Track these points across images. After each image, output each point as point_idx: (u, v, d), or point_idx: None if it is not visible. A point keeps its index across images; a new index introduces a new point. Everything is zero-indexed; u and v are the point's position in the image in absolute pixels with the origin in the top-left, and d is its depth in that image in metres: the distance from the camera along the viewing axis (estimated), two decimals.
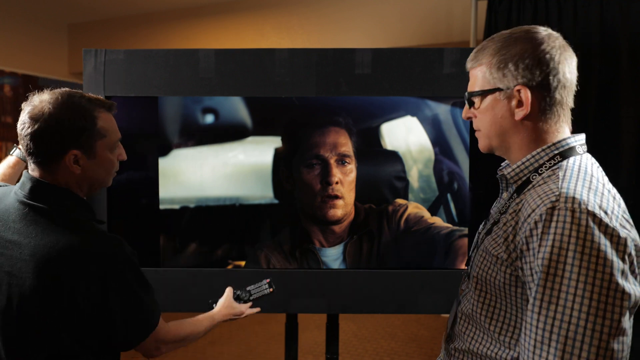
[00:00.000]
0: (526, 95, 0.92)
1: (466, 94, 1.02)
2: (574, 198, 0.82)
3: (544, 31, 0.95)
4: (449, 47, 1.74)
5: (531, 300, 0.83)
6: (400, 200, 1.78)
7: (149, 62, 1.73)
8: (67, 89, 1.15)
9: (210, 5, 4.45)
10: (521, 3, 2.89)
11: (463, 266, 1.78)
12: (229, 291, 1.54)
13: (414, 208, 1.78)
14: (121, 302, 1.09)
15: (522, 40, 0.93)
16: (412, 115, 1.76)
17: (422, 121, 1.76)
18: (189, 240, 1.81)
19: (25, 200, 1.10)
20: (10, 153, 1.51)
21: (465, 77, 1.71)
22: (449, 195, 1.78)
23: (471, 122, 1.07)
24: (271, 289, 1.60)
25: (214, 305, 1.53)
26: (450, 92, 1.72)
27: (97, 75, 1.74)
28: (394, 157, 1.78)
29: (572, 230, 0.79)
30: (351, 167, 1.76)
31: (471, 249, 1.10)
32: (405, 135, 1.77)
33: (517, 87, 0.93)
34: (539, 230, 0.83)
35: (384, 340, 3.52)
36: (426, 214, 1.78)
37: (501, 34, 0.97)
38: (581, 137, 0.97)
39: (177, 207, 1.80)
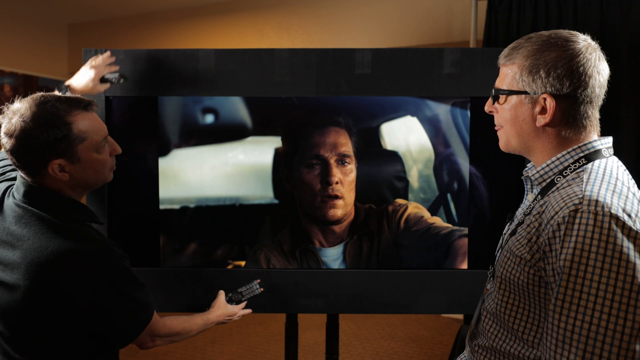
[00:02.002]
0: (551, 104, 0.93)
1: (493, 89, 1.02)
2: (597, 201, 0.83)
3: (582, 41, 0.94)
4: (449, 47, 1.74)
5: (553, 301, 0.84)
6: (400, 200, 1.78)
7: (149, 62, 1.73)
8: (41, 93, 1.13)
9: (210, 5, 4.45)
10: (521, 3, 2.88)
11: (463, 266, 1.78)
12: (221, 294, 1.59)
13: (414, 208, 1.78)
14: (110, 305, 1.10)
15: (559, 48, 0.92)
16: (412, 115, 1.76)
17: (422, 121, 1.76)
18: (189, 240, 1.81)
19: (20, 203, 1.12)
20: (62, 92, 1.52)
21: (464, 77, 1.72)
22: (449, 195, 1.78)
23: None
24: (262, 289, 1.64)
25: (207, 308, 1.57)
26: (450, 92, 1.72)
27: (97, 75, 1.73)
28: (394, 157, 1.78)
29: (595, 232, 0.80)
30: (351, 167, 1.76)
31: (496, 250, 1.12)
32: (405, 135, 1.77)
33: (544, 95, 0.94)
34: (562, 233, 0.84)
35: (384, 340, 3.52)
36: (426, 214, 1.78)
37: (540, 35, 0.96)
38: (607, 140, 0.97)
39: (177, 207, 1.80)
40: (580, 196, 0.85)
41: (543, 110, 0.94)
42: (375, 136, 1.78)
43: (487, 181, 1.76)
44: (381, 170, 1.78)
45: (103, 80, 1.66)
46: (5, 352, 1.11)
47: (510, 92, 0.98)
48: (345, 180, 1.76)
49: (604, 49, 0.97)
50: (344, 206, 1.76)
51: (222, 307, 1.54)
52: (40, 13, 4.72)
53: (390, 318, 3.87)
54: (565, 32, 0.95)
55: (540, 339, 0.92)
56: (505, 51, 1.00)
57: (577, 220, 0.82)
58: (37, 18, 4.74)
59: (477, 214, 1.77)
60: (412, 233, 1.78)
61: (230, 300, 1.60)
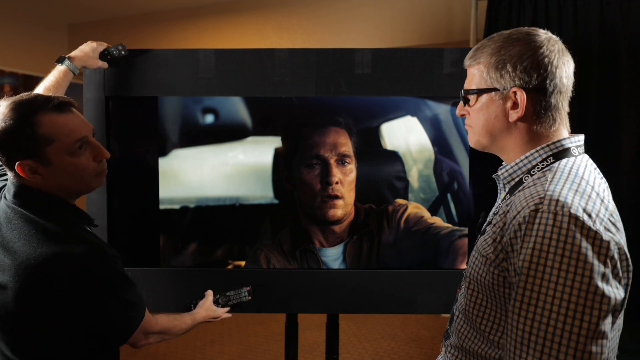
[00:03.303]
0: (522, 97, 0.93)
1: (462, 91, 1.03)
2: (557, 200, 0.82)
3: (543, 34, 0.95)
4: (449, 47, 1.74)
5: (512, 302, 0.84)
6: (400, 200, 1.78)
7: (149, 62, 1.73)
8: (22, 94, 1.11)
9: (210, 5, 4.45)
10: (521, 3, 2.89)
11: (463, 266, 1.78)
12: (209, 294, 1.61)
13: (414, 208, 1.78)
14: (102, 306, 1.09)
15: (522, 42, 0.93)
16: (412, 115, 1.76)
17: (422, 121, 1.76)
18: (189, 240, 1.81)
19: (11, 204, 1.11)
20: (62, 63, 1.55)
21: (464, 77, 1.71)
22: (449, 195, 1.78)
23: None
24: (250, 297, 1.66)
25: (192, 305, 1.59)
26: (450, 92, 1.72)
27: (97, 75, 1.74)
28: (394, 157, 1.78)
29: (553, 232, 0.80)
30: (351, 167, 1.76)
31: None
32: (405, 135, 1.77)
33: (514, 89, 0.93)
34: (522, 232, 0.84)
35: (384, 340, 3.52)
36: (426, 214, 1.78)
37: (501, 34, 0.97)
38: (578, 139, 0.97)
39: (177, 207, 1.80)
40: (542, 195, 0.85)
41: (514, 105, 0.94)
42: (375, 136, 1.78)
43: (487, 181, 1.75)
44: (381, 170, 1.78)
45: (105, 54, 1.67)
46: (2, 353, 1.11)
47: (480, 91, 0.98)
48: (345, 180, 1.76)
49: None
50: (344, 206, 1.76)
51: (209, 309, 1.56)
52: (40, 13, 4.72)
53: (390, 318, 3.87)
54: (525, 28, 0.97)
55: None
56: (470, 53, 1.01)
57: (537, 220, 0.82)
58: (37, 18, 4.74)
59: (478, 214, 1.77)
60: (412, 233, 1.78)
61: (216, 302, 1.61)
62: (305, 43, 4.08)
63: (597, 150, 2.66)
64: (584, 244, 0.79)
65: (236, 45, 4.31)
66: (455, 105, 1.75)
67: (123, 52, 1.70)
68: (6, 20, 4.48)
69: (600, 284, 0.78)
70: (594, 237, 0.79)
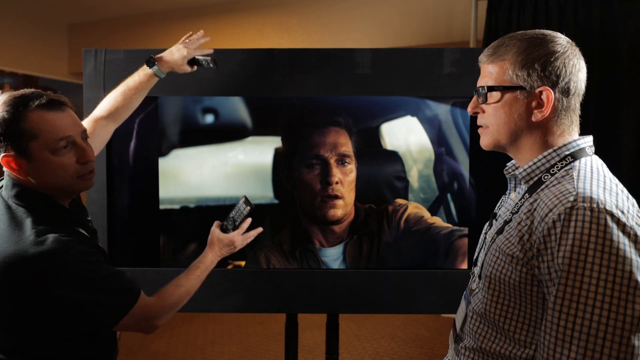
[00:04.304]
0: (549, 97, 0.93)
1: (481, 87, 1.00)
2: (591, 198, 0.83)
3: (565, 38, 0.97)
4: (449, 47, 1.74)
5: (552, 299, 0.84)
6: (400, 200, 1.78)
7: None
8: (23, 90, 1.12)
9: (210, 5, 4.45)
10: (521, 3, 2.89)
11: (463, 266, 1.78)
12: (215, 227, 1.51)
13: (414, 208, 1.78)
14: (75, 301, 1.07)
15: (549, 42, 0.95)
16: (412, 115, 1.76)
17: (422, 121, 1.77)
18: (189, 240, 1.81)
19: (4, 198, 1.13)
20: (150, 67, 1.52)
21: (464, 77, 1.72)
22: (449, 195, 1.78)
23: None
24: (249, 207, 1.50)
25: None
26: (450, 92, 1.72)
27: (97, 75, 1.74)
28: (394, 157, 1.78)
29: (592, 229, 0.81)
30: (351, 167, 1.76)
31: (478, 249, 1.10)
32: (405, 135, 1.77)
33: (541, 88, 0.94)
34: (558, 230, 0.84)
35: (384, 340, 3.52)
36: (426, 214, 1.78)
37: (524, 33, 0.98)
38: (589, 139, 0.99)
39: (177, 207, 1.80)
40: (574, 193, 0.85)
41: (538, 105, 0.95)
42: (375, 136, 1.78)
43: (488, 181, 1.76)
44: (381, 170, 1.78)
45: (194, 61, 1.65)
46: None
47: (505, 88, 0.96)
48: (345, 180, 1.76)
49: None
50: (344, 206, 1.76)
51: (215, 242, 1.45)
52: (40, 13, 4.72)
53: (390, 318, 3.87)
54: (546, 31, 0.98)
55: (532, 338, 0.92)
56: (489, 50, 1.00)
57: (574, 217, 0.83)
58: (37, 18, 4.74)
59: (478, 214, 1.77)
60: (412, 233, 1.78)
61: (225, 230, 1.51)
62: (305, 43, 4.08)
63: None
64: (622, 239, 0.80)
65: (236, 45, 4.31)
66: (455, 105, 1.75)
67: (212, 65, 1.66)
68: (6, 20, 4.48)
69: (639, 278, 0.79)
70: (629, 233, 0.81)
